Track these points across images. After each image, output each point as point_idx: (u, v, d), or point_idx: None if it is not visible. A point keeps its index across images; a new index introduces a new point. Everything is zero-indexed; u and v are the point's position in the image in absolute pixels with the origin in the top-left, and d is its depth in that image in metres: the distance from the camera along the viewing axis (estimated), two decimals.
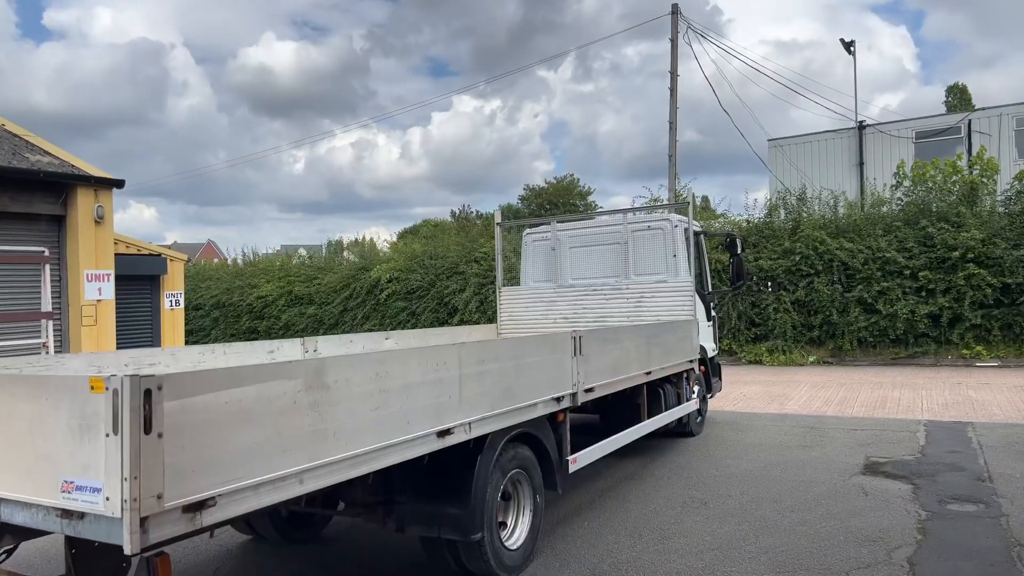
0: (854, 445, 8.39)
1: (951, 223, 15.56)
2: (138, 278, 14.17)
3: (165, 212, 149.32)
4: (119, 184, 11.62)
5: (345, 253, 27.60)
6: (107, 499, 2.45)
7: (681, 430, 8.76)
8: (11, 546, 4.03)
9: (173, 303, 14.54)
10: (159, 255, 14.49)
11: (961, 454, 7.78)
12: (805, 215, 17.54)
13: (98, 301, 11.18)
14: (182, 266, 15.38)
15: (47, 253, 10.46)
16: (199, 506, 2.63)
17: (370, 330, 23.45)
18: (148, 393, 2.45)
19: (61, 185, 11.00)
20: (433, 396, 3.97)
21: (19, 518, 2.77)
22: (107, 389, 2.44)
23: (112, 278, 11.45)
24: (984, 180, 16.20)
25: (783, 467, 7.51)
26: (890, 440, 8.59)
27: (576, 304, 9.39)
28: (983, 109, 19.58)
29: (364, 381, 3.48)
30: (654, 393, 7.55)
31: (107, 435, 2.44)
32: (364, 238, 30.24)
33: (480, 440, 4.48)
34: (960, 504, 6.06)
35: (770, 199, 18.88)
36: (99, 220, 11.26)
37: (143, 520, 2.43)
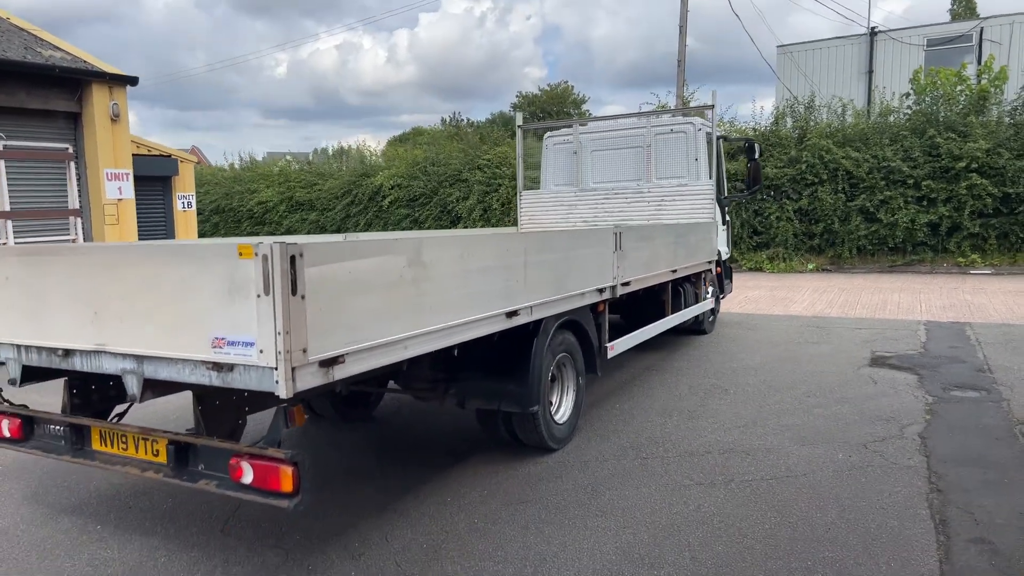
0: (859, 342, 8.88)
1: (958, 133, 15.69)
2: (150, 179, 14.19)
3: (144, 117, 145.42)
4: (133, 81, 11.51)
5: (344, 159, 27.39)
6: (260, 351, 2.76)
7: (696, 328, 9.20)
8: (127, 406, 4.43)
9: (185, 204, 14.63)
10: (169, 156, 14.46)
11: (961, 349, 8.27)
12: (813, 124, 17.58)
13: (119, 200, 11.29)
14: (192, 167, 15.37)
15: (70, 150, 10.50)
16: (332, 362, 2.95)
17: None
18: (293, 259, 2.72)
19: (75, 81, 10.89)
20: (503, 280, 4.29)
21: (164, 373, 3.10)
22: (256, 255, 2.71)
23: (131, 177, 11.51)
24: (993, 89, 16.24)
25: (795, 360, 7.98)
26: (893, 337, 9.08)
27: (597, 207, 9.62)
28: (995, 17, 19.32)
29: (451, 261, 3.78)
30: (676, 291, 7.93)
31: (258, 296, 2.73)
32: (350, 147, 29.93)
33: (536, 324, 4.83)
34: (963, 391, 6.56)
35: (778, 107, 18.85)
36: (115, 118, 11.22)
37: (293, 370, 2.76)
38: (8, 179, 9.68)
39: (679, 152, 9.28)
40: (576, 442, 5.45)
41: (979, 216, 15.56)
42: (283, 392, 2.73)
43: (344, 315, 3.00)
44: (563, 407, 5.44)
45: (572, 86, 57.96)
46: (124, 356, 3.18)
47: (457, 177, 22.18)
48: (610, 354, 5.99)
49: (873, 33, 20.47)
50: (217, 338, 2.86)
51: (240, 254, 2.74)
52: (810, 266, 17.21)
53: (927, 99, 16.81)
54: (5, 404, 4.09)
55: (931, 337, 9.04)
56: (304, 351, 2.78)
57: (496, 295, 4.22)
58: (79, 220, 10.17)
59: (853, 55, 20.92)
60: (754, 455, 5.09)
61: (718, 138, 9.46)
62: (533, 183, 10.91)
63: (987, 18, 19.20)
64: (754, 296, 13.20)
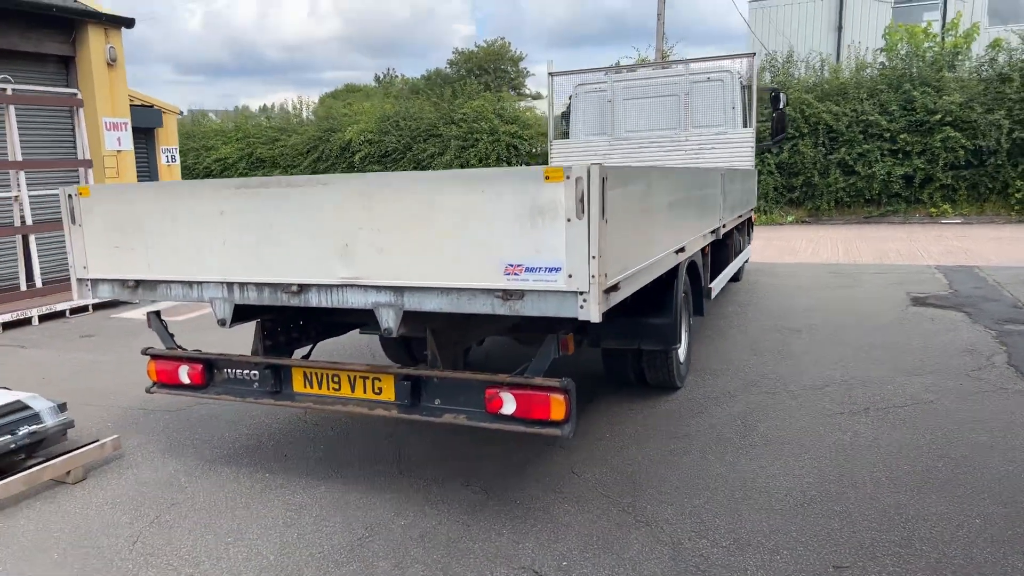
0: (888, 285, 9.29)
1: (932, 87, 16.35)
2: (134, 131, 13.40)
3: None
4: (129, 23, 10.77)
5: (306, 115, 26.45)
6: (569, 276, 2.72)
7: (735, 275, 9.44)
8: (309, 348, 4.30)
9: (169, 159, 13.87)
10: (152, 106, 13.64)
11: (985, 289, 8.77)
12: (793, 79, 17.98)
13: (118, 152, 10.64)
14: (175, 119, 14.56)
15: (79, 95, 9.78)
16: (614, 288, 2.94)
17: None
18: (604, 181, 2.67)
19: (69, 22, 10.11)
20: (705, 208, 4.39)
21: (431, 304, 3.01)
22: (567, 178, 2.65)
23: (129, 127, 10.84)
24: (968, 46, 16.96)
25: (840, 301, 8.31)
26: (917, 281, 9.54)
27: (632, 157, 9.65)
28: None
29: (682, 188, 3.84)
30: (732, 238, 8.10)
31: (568, 220, 2.68)
32: (272, 105, 28.99)
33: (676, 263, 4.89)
34: (1016, 325, 6.98)
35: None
36: (111, 63, 10.49)
37: (602, 294, 2.73)
38: (19, 126, 8.96)
39: (715, 100, 9.37)
40: (691, 380, 5.57)
41: (951, 168, 16.34)
42: (593, 316, 2.71)
43: (622, 240, 2.98)
44: (681, 347, 5.54)
45: (509, 43, 57.25)
46: (380, 289, 3.07)
47: (431, 132, 21.76)
48: (713, 295, 6.11)
49: None
50: (511, 265, 2.79)
51: (547, 178, 2.67)
52: (789, 218, 17.77)
53: (901, 54, 17.40)
54: (180, 349, 3.90)
55: (952, 280, 9.53)
56: (606, 276, 2.75)
57: (700, 221, 4.31)
58: (90, 171, 9.54)
59: (824, 11, 21.45)
60: (871, 386, 5.32)
61: (747, 86, 9.59)
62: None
63: None
64: (756, 246, 13.58)
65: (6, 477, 3.74)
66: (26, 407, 4.16)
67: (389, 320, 3.10)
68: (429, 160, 21.50)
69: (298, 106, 28.06)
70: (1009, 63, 16.34)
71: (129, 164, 10.89)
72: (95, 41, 10.30)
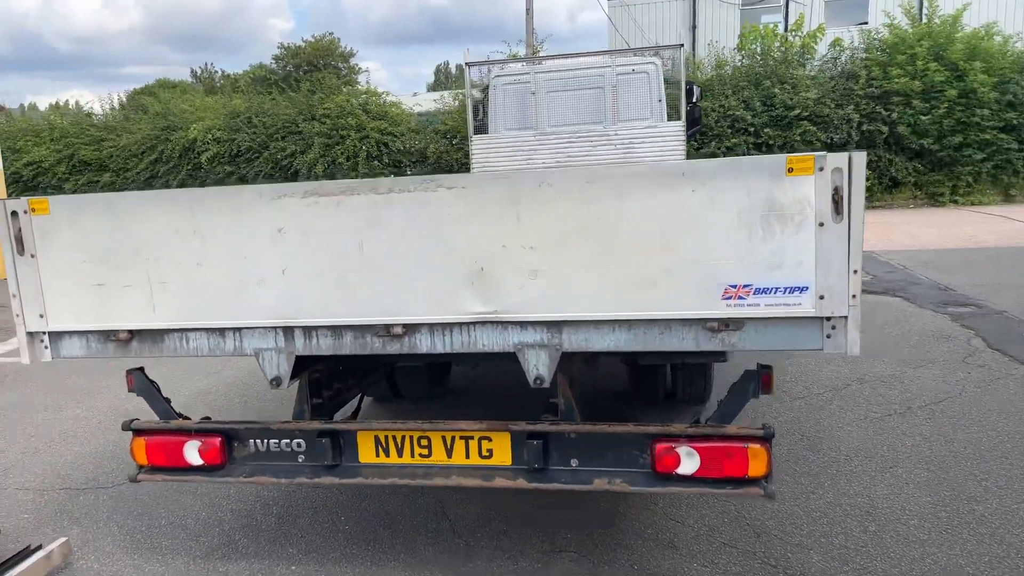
0: None
1: (789, 84, 17.37)
2: None
3: None
4: None
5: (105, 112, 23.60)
6: (820, 298, 2.12)
7: None
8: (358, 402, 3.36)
9: None
10: None
11: (899, 273, 9.22)
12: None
13: None
14: None
15: None
16: None
17: None
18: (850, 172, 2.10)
19: None
20: None
21: (604, 342, 2.29)
22: (819, 169, 2.05)
23: None
24: (814, 45, 18.17)
25: None
26: None
27: (559, 152, 9.17)
28: None
29: None
30: None
31: (820, 224, 2.08)
32: (67, 103, 26.07)
33: None
34: (959, 307, 7.28)
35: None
36: None
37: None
38: None
39: (642, 93, 9.11)
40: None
41: None
42: (851, 347, 2.13)
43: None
44: None
45: (339, 39, 55.57)
46: (529, 325, 2.30)
47: (290, 129, 20.13)
48: None
49: None
50: (734, 286, 2.15)
51: (791, 170, 2.06)
52: None
53: (757, 54, 18.35)
54: (183, 419, 2.85)
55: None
56: (854, 296, 2.18)
57: None
58: None
59: (679, 11, 22.25)
60: (889, 382, 5.20)
61: (676, 80, 9.45)
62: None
63: None
64: None
65: None
66: None
67: (540, 365, 2.34)
68: (290, 159, 19.87)
69: (115, 103, 25.05)
70: (853, 61, 17.71)
71: None
72: None
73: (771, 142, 17.48)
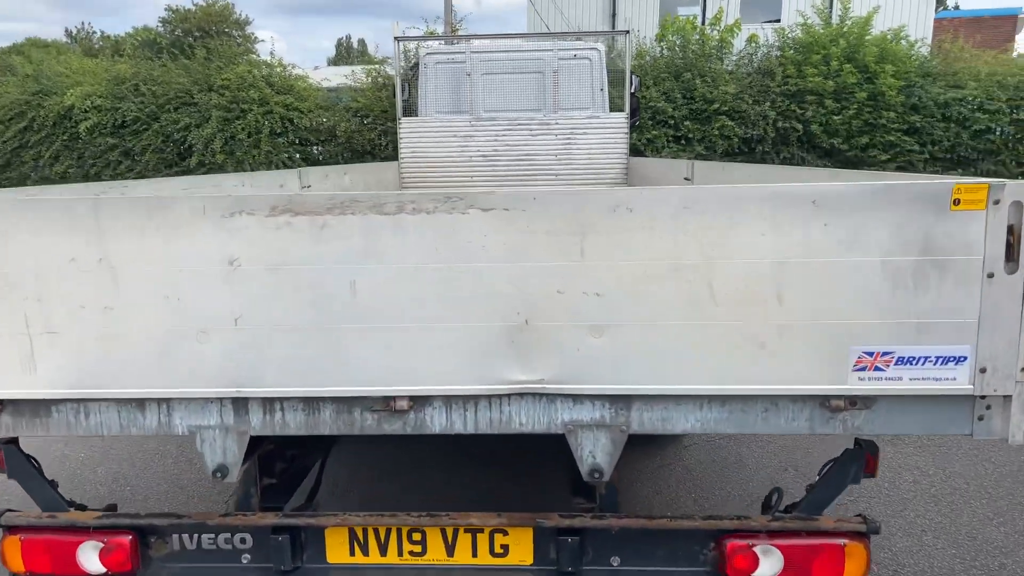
0: None
1: (710, 78, 17.38)
2: None
3: None
4: None
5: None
6: (981, 371, 1.62)
7: None
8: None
9: None
10: None
11: None
12: None
13: None
14: None
15: None
16: None
17: (66, 174, 18.83)
18: None
19: None
20: None
21: (686, 422, 1.72)
22: (994, 203, 1.54)
23: None
24: (731, 40, 18.26)
25: None
26: None
27: (496, 140, 8.55)
28: None
29: None
30: None
31: (989, 275, 1.58)
32: None
33: None
34: None
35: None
36: None
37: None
38: None
39: (584, 80, 8.63)
40: None
41: (727, 155, 17.58)
42: (1017, 435, 1.65)
43: None
44: None
45: (232, 4, 52.73)
46: (587, 400, 1.70)
47: (184, 100, 18.43)
48: None
49: None
50: (870, 353, 1.62)
51: (957, 201, 1.54)
52: None
53: (677, 45, 18.27)
54: (78, 511, 2.07)
55: None
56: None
57: None
58: None
59: None
60: None
61: (618, 70, 9.00)
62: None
63: None
64: None
65: None
66: None
67: (599, 453, 1.76)
68: (183, 133, 18.19)
69: None
70: (768, 58, 17.93)
71: None
72: None
73: (690, 135, 17.47)
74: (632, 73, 9.69)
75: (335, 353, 1.70)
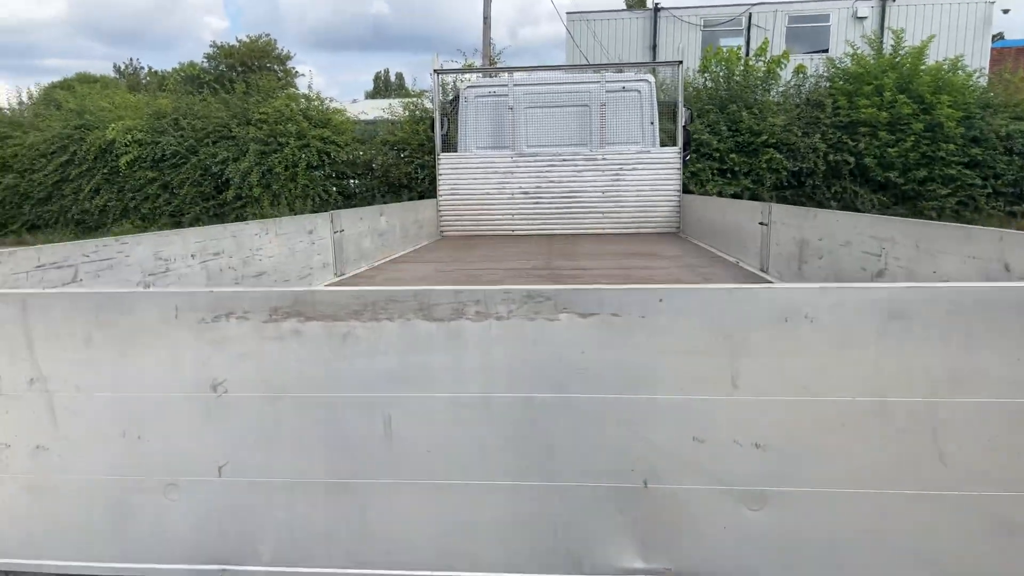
0: None
1: (756, 109, 16.81)
2: None
3: None
4: None
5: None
6: None
7: None
8: None
9: None
10: None
11: None
12: None
13: None
14: None
15: None
16: None
17: (105, 207, 18.92)
18: None
19: None
20: None
21: None
22: None
23: None
24: (779, 71, 17.70)
25: None
26: None
27: (540, 176, 8.08)
28: (762, 3, 21.28)
29: None
30: None
31: None
32: None
33: None
34: None
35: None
36: None
37: None
38: None
39: (633, 113, 8.14)
40: None
41: (775, 188, 16.92)
42: None
43: None
44: None
45: (275, 40, 54.00)
46: None
47: (222, 134, 18.44)
48: None
49: (657, 10, 21.29)
50: None
51: None
52: None
53: (721, 77, 17.76)
54: None
55: None
56: None
57: None
58: None
59: (639, 29, 21.56)
60: None
61: (666, 102, 8.50)
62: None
63: (755, 4, 21.07)
64: None
65: None
66: None
67: None
68: (221, 166, 18.16)
69: (24, 97, 22.79)
70: (817, 89, 17.31)
71: None
72: None
73: (736, 168, 16.87)
74: (684, 105, 9.18)
75: (359, 519, 1.17)
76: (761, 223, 4.99)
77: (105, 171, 18.77)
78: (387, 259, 6.23)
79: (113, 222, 19.06)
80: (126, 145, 18.45)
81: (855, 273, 3.33)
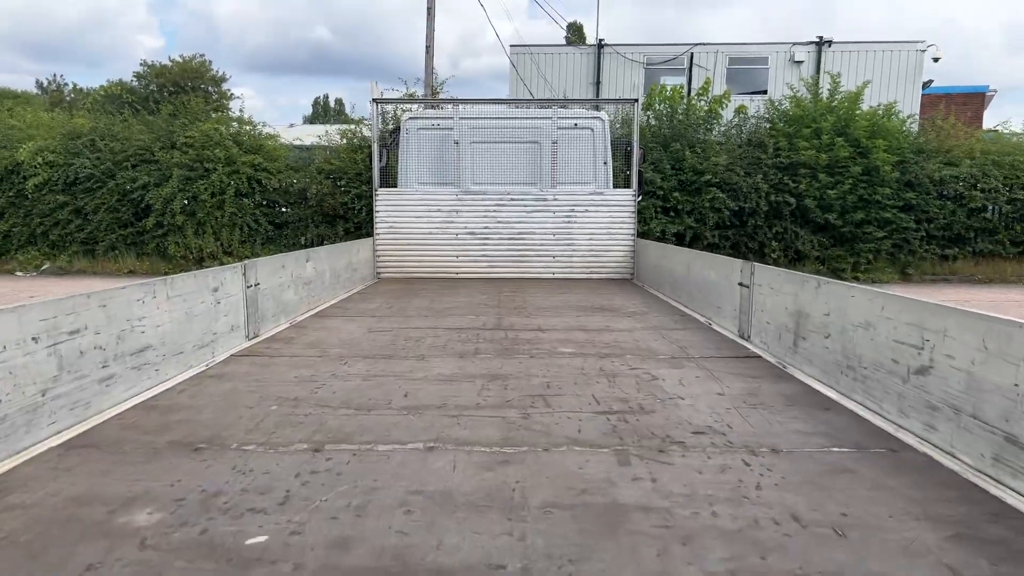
0: None
1: (700, 148, 16.76)
2: None
3: None
4: None
5: None
6: None
7: None
8: None
9: None
10: None
11: None
12: None
13: None
14: None
15: None
16: None
17: (10, 232, 17.45)
18: None
19: None
20: None
21: None
22: None
23: None
24: (720, 110, 17.74)
25: None
26: None
27: (487, 216, 7.53)
28: (703, 44, 21.46)
29: None
30: None
31: None
32: None
33: None
34: None
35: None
36: None
37: None
38: None
39: (586, 152, 7.69)
40: None
41: (717, 227, 16.84)
42: None
43: None
44: None
45: (210, 61, 52.48)
46: None
47: (143, 157, 17.29)
48: None
49: (600, 46, 21.21)
50: None
51: None
52: None
53: (664, 115, 17.70)
54: None
55: None
56: None
57: None
58: None
59: (583, 64, 21.43)
60: None
61: (616, 140, 8.09)
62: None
63: (696, 44, 21.23)
64: None
65: None
66: None
67: None
68: (141, 192, 16.97)
69: None
70: (758, 130, 17.42)
71: None
72: None
73: (680, 206, 16.74)
74: (639, 145, 8.81)
75: None
76: (741, 283, 4.52)
77: (11, 194, 17.33)
78: (312, 311, 5.46)
79: (18, 249, 17.57)
80: (35, 167, 17.07)
81: (882, 362, 2.86)
